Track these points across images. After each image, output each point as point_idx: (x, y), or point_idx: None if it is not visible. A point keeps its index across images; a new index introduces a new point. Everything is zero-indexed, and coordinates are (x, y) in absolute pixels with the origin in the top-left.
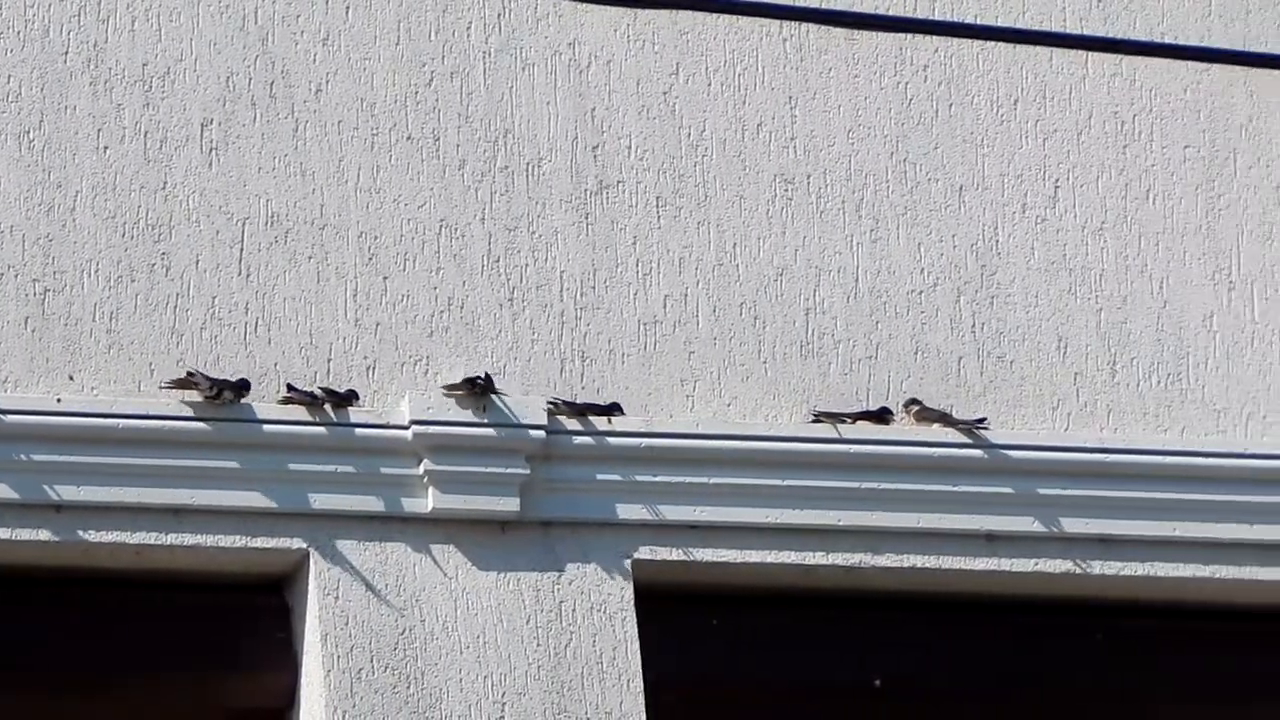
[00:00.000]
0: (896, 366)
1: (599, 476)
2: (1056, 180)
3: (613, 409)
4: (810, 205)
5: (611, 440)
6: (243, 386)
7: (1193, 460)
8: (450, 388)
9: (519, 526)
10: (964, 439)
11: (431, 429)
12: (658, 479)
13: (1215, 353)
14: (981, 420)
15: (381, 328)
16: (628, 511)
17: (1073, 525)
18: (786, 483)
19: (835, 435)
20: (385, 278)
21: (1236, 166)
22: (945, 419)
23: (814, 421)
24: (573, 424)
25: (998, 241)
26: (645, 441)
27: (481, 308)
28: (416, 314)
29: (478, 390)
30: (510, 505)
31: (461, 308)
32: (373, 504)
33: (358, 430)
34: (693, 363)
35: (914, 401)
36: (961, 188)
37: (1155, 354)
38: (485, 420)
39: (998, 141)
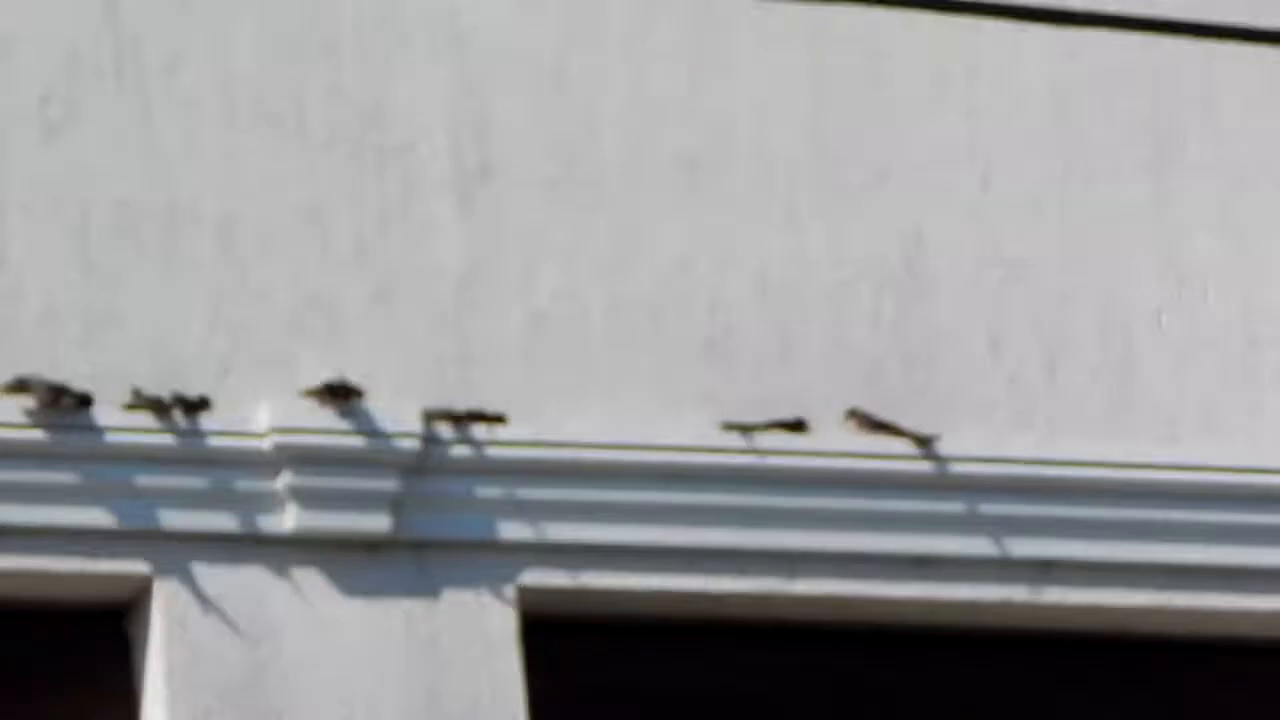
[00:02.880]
0: (813, 369)
1: (480, 492)
2: (988, 162)
3: (497, 417)
4: (717, 190)
5: (494, 452)
6: (84, 398)
7: (1142, 474)
8: (313, 392)
9: (390, 548)
10: (887, 450)
11: (293, 439)
12: (547, 495)
13: (1167, 353)
14: (934, 436)
15: (238, 326)
16: (513, 531)
17: (1010, 547)
18: (692, 499)
19: (746, 446)
20: (243, 270)
21: (1189, 146)
22: (891, 430)
23: (723, 431)
24: (451, 433)
25: (924, 230)
26: (533, 453)
27: (350, 304)
28: (278, 310)
29: (345, 395)
30: (380, 524)
31: (326, 300)
32: (226, 523)
33: (210, 440)
34: (586, 365)
35: (855, 411)
36: (884, 171)
37: (1100, 355)
38: (353, 428)
39: (924, 120)
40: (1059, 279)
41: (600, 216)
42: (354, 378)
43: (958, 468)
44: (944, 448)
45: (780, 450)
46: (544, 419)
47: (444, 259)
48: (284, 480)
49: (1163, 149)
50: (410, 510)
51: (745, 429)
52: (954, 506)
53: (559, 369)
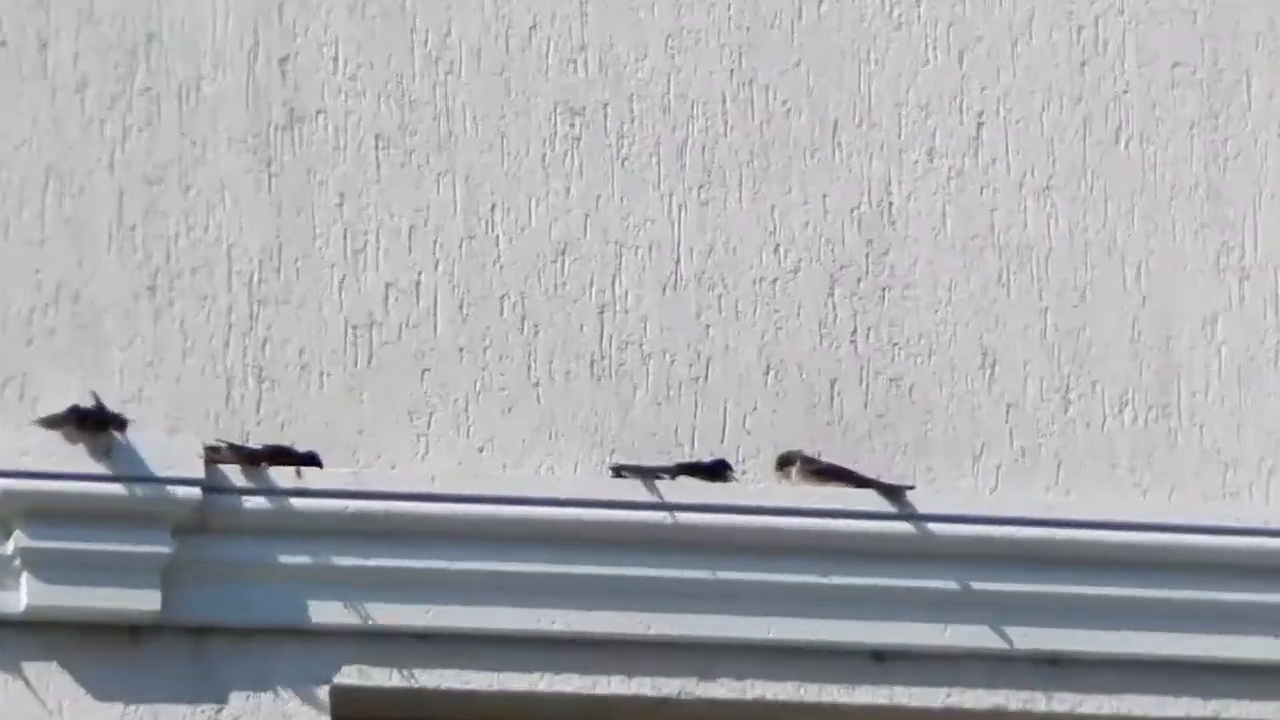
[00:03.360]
0: (737, 394)
1: (282, 559)
2: (980, 114)
3: (306, 457)
4: (609, 150)
5: (302, 504)
6: None
7: (1185, 539)
8: (53, 420)
9: (160, 634)
10: (841, 505)
11: (26, 484)
12: (372, 563)
13: (1220, 374)
14: (905, 487)
15: None
16: (326, 613)
17: (1004, 636)
18: (569, 570)
19: (647, 498)
20: None
21: (1251, 94)
22: (847, 479)
23: (614, 477)
24: (244, 479)
25: (891, 205)
26: (353, 505)
27: (107, 300)
28: (8, 309)
29: (99, 426)
30: (147, 602)
31: (76, 299)
32: None
33: None
34: (428, 386)
35: (795, 457)
36: (837, 124)
37: (1130, 376)
38: (109, 471)
39: (893, 55)
40: (1076, 272)
41: (451, 183)
42: (112, 403)
43: (937, 530)
44: (919, 503)
45: (692, 504)
46: (370, 459)
47: (236, 239)
48: (14, 542)
49: (1216, 97)
50: (187, 583)
51: (644, 474)
52: (931, 582)
53: (391, 391)
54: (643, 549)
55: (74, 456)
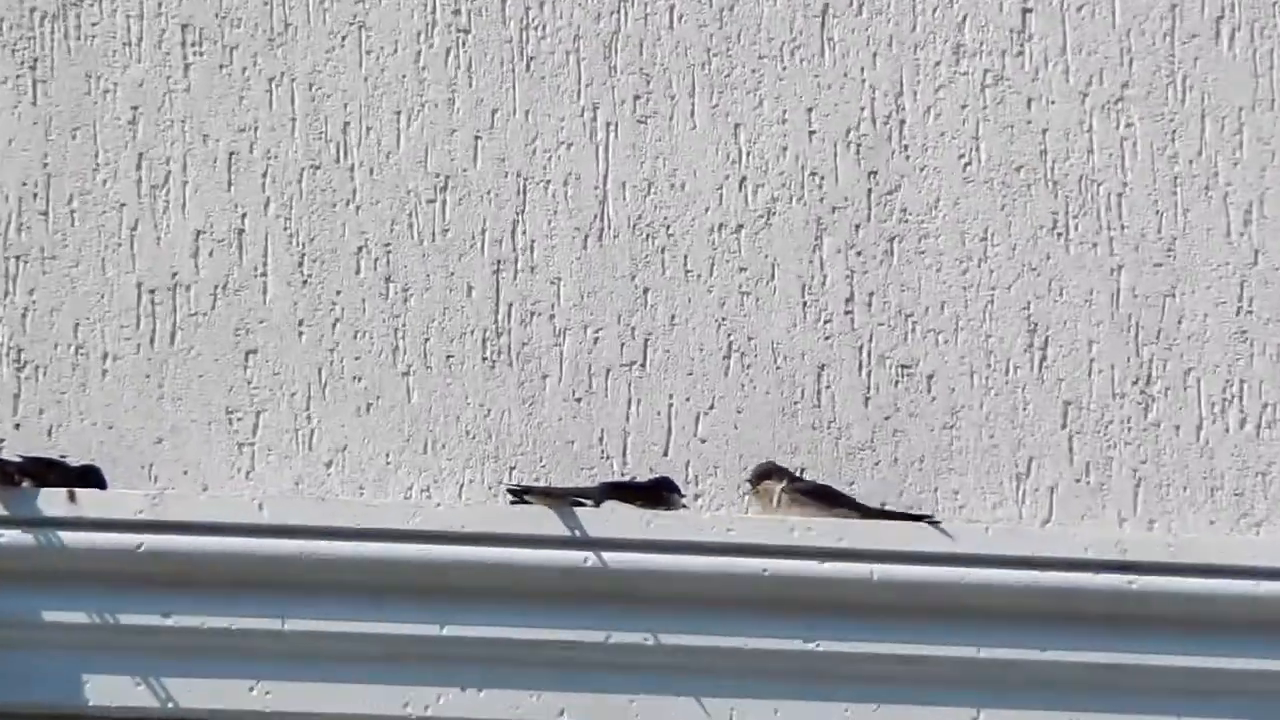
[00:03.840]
0: (687, 387)
1: (49, 616)
2: (1026, 6)
3: (82, 474)
4: (508, 47)
5: (77, 540)
6: None
7: None
8: None
9: None
10: (827, 543)
11: None
12: (174, 622)
13: None
14: (925, 518)
15: None
16: (110, 692)
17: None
18: (450, 634)
19: (560, 532)
20: None
21: None
22: (847, 506)
23: (514, 503)
24: None
25: (903, 124)
26: (149, 542)
27: None
28: None
29: None
30: None
31: None
32: None
33: None
34: (254, 374)
35: (774, 472)
36: (827, 10)
37: (1236, 364)
38: None
39: None
40: (1152, 223)
41: (285, 98)
42: None
43: (967, 578)
44: (941, 540)
45: (623, 540)
46: (171, 479)
47: None
48: None
49: None
50: None
51: (556, 498)
52: (959, 649)
53: (201, 385)
54: (555, 603)
55: None
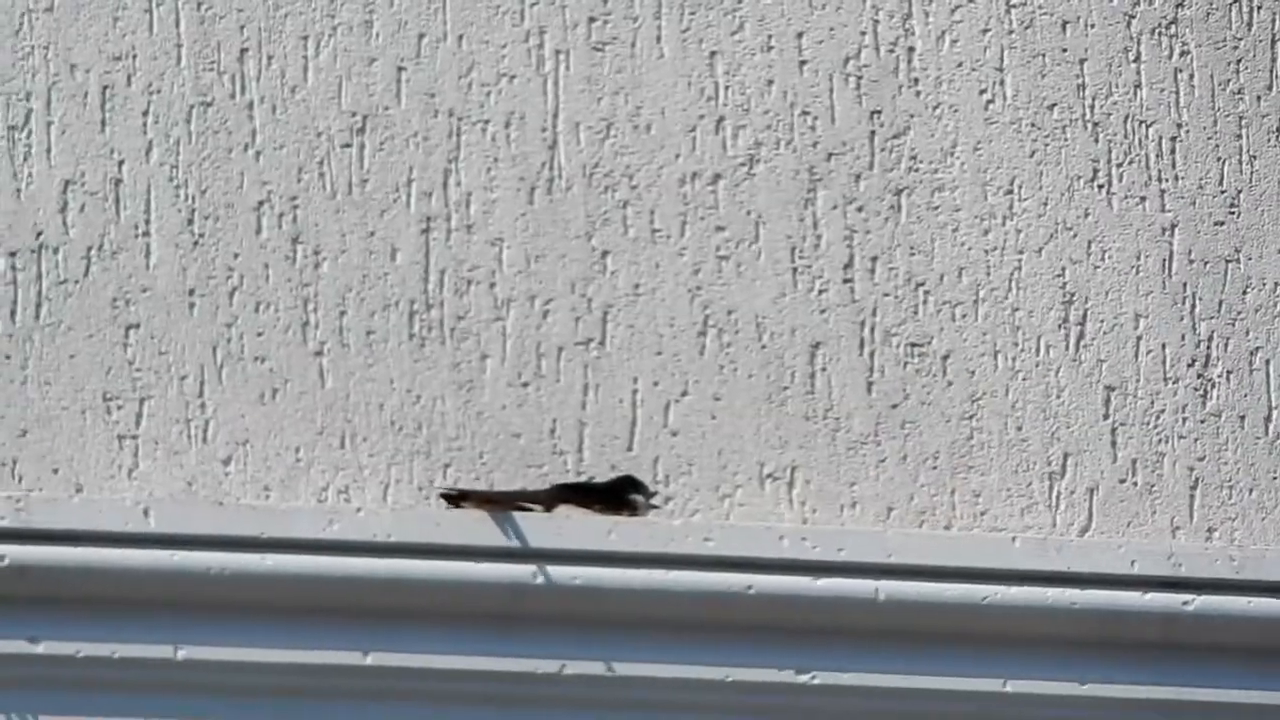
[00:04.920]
0: (654, 368)
1: None
2: None
3: None
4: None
5: None
6: None
7: None
8: None
9: None
10: (812, 556)
11: None
12: (44, 649)
13: None
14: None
15: None
16: None
17: None
18: (371, 663)
19: (501, 542)
20: None
21: None
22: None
23: (449, 508)
24: None
25: (912, 51)
26: (12, 554)
27: None
28: None
29: None
30: None
31: None
32: None
33: None
34: (136, 353)
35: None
36: None
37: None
38: None
39: None
40: (1221, 170)
41: (167, 18)
42: None
43: (985, 599)
44: (955, 553)
45: (579, 552)
46: (39, 481)
47: None
48: None
49: None
50: None
51: (497, 503)
52: (978, 679)
53: (72, 367)
54: (498, 627)
55: None
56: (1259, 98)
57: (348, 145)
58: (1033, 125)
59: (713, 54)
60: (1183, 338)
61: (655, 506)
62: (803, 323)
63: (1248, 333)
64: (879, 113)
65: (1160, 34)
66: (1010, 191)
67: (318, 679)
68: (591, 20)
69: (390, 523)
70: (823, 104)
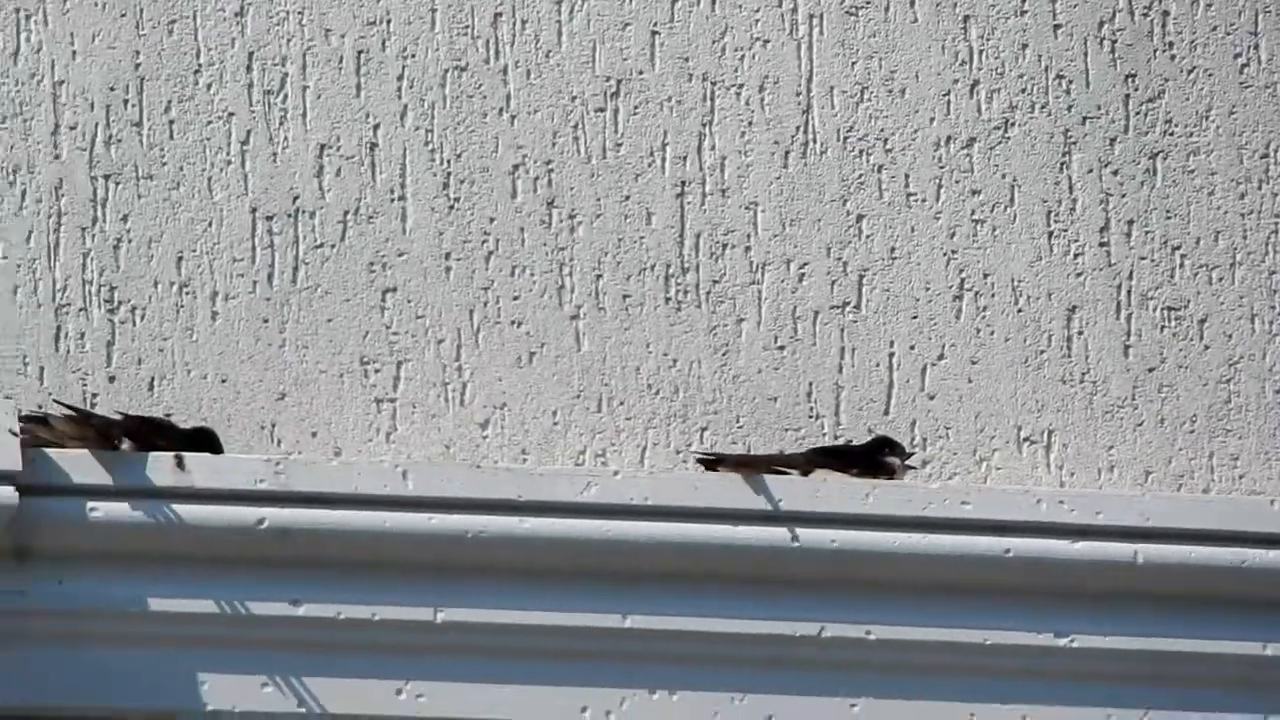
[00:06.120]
0: (902, 334)
1: (156, 605)
2: None
3: (192, 436)
4: None
5: (189, 514)
6: None
7: None
8: None
9: None
10: (1070, 519)
11: None
12: (305, 612)
13: None
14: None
15: None
16: (232, 694)
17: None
18: (626, 625)
19: (765, 507)
20: None
21: None
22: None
23: (705, 470)
24: (87, 472)
25: (1159, 22)
26: (272, 517)
27: None
28: None
29: None
30: None
31: None
32: None
33: None
34: (393, 315)
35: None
36: None
37: None
38: None
39: None
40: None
41: None
42: None
43: (1245, 559)
44: (1209, 515)
45: (837, 515)
46: (298, 443)
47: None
48: None
49: None
50: None
51: (751, 466)
52: (1230, 643)
53: (318, 328)
54: (756, 590)
55: None
56: None
57: (601, 110)
58: None
59: (966, 18)
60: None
61: (912, 468)
62: (1059, 286)
63: None
64: (1134, 76)
65: None
66: (1266, 155)
67: (575, 641)
68: None
69: (647, 486)
70: (1077, 68)
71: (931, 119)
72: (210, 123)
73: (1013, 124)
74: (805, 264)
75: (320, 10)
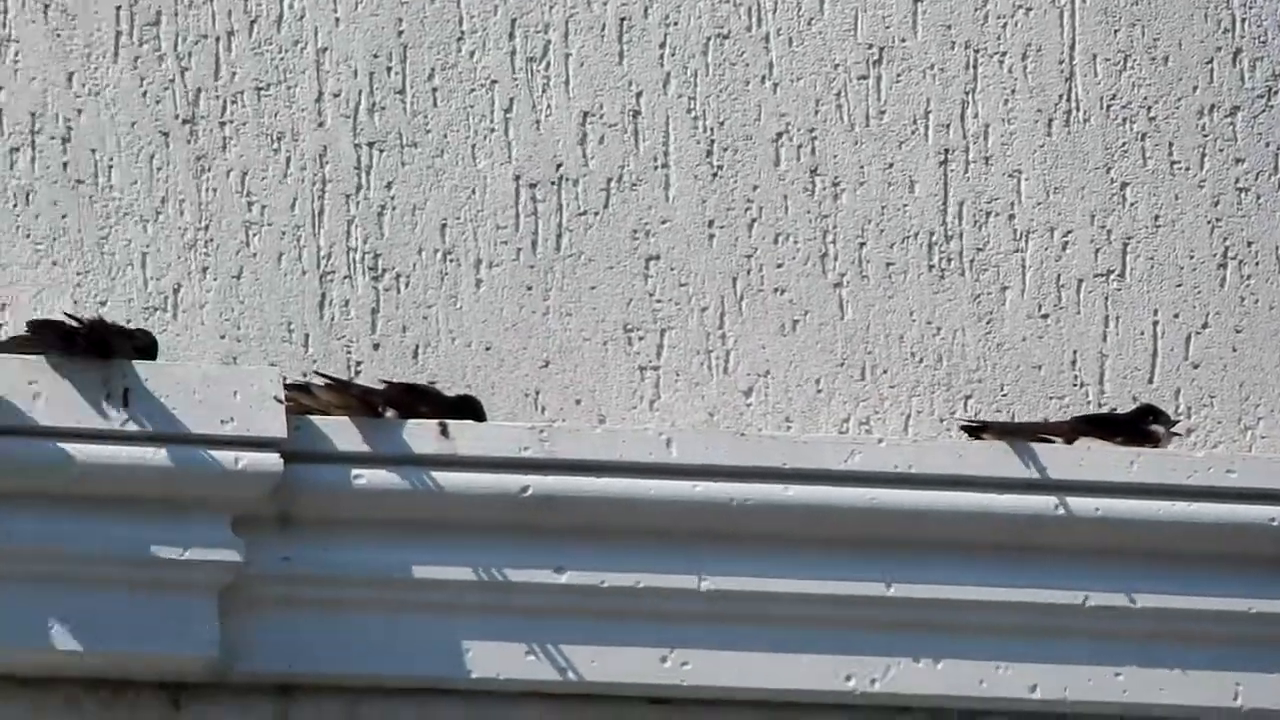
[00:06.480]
0: (1167, 302)
1: (420, 572)
2: None
3: (457, 404)
4: None
5: (451, 482)
6: None
7: None
8: (17, 343)
9: (217, 698)
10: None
11: None
12: (568, 579)
13: None
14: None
15: None
16: (496, 662)
17: None
18: (902, 593)
19: (1030, 475)
20: None
21: None
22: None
23: (970, 439)
24: (353, 439)
25: None
26: (536, 484)
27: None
28: None
29: (94, 348)
30: (194, 644)
31: None
32: None
33: None
34: (656, 283)
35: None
36: None
37: None
38: (122, 427)
39: None
40: None
41: None
42: (111, 313)
43: None
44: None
45: (1097, 483)
46: (561, 409)
47: None
48: None
49: None
50: (261, 614)
51: (1017, 434)
52: None
53: (577, 304)
54: (1019, 558)
55: (59, 403)
56: None
57: (864, 77)
58: None
59: None
60: None
61: (1177, 435)
62: None
63: None
64: None
65: None
66: None
67: (839, 609)
68: None
69: (911, 454)
70: None
71: (1195, 87)
72: (473, 90)
73: (1275, 93)
74: (1069, 232)
75: None
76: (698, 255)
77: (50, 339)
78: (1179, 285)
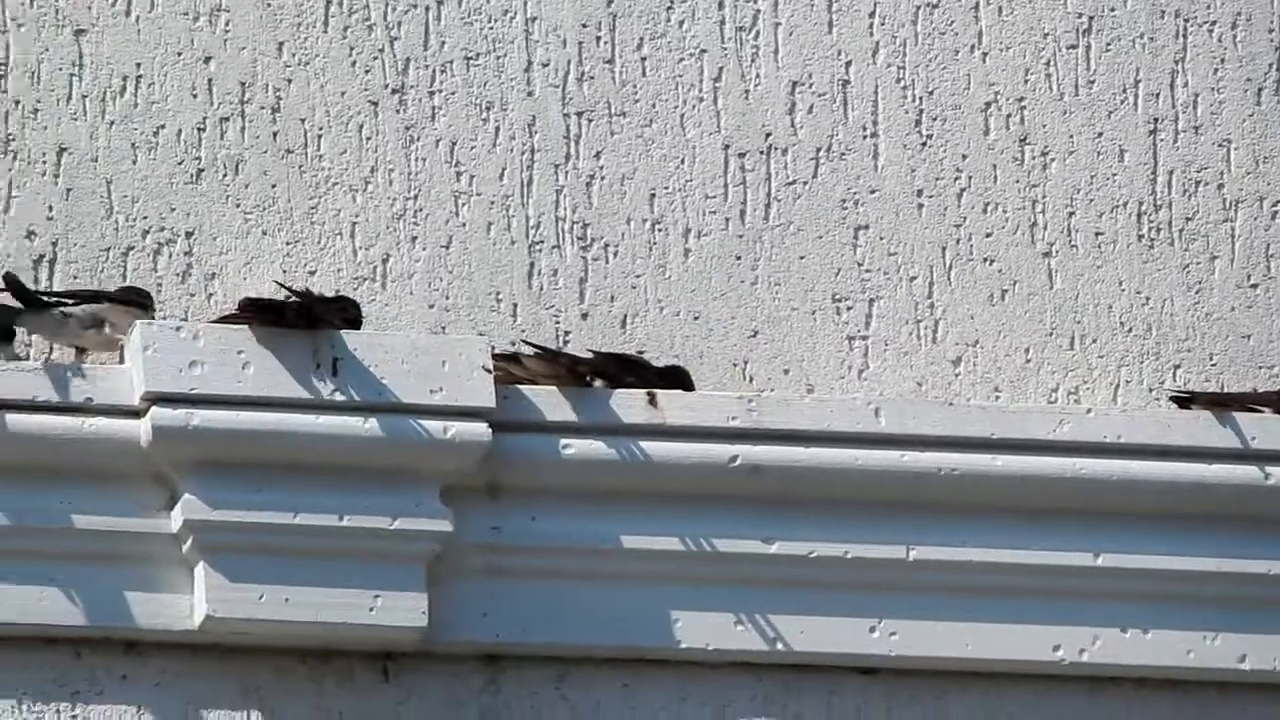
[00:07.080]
0: None
1: (629, 542)
2: None
3: (666, 374)
4: None
5: (661, 451)
6: None
7: None
8: (227, 317)
9: (426, 667)
10: None
11: (191, 416)
12: (779, 548)
13: None
14: None
15: None
16: (710, 633)
17: None
18: (1111, 563)
19: (1238, 445)
20: None
21: None
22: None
23: (1181, 407)
24: (565, 409)
25: None
26: (745, 454)
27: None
28: None
29: (301, 318)
30: (403, 615)
31: None
32: None
33: None
34: (863, 251)
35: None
36: None
37: None
38: (327, 397)
39: None
40: None
41: None
42: (310, 282)
43: None
44: None
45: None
46: (770, 379)
47: None
48: (182, 513)
49: None
50: (470, 585)
51: (1217, 404)
52: None
53: (786, 274)
54: (1228, 528)
55: (267, 373)
56: None
57: (1074, 46)
58: None
59: None
60: None
61: None
62: None
63: None
64: None
65: None
66: None
67: (1047, 579)
68: None
69: (1120, 424)
70: None
71: None
72: (682, 60)
73: None
74: (1278, 202)
75: None
76: (906, 225)
77: (259, 311)
78: None
